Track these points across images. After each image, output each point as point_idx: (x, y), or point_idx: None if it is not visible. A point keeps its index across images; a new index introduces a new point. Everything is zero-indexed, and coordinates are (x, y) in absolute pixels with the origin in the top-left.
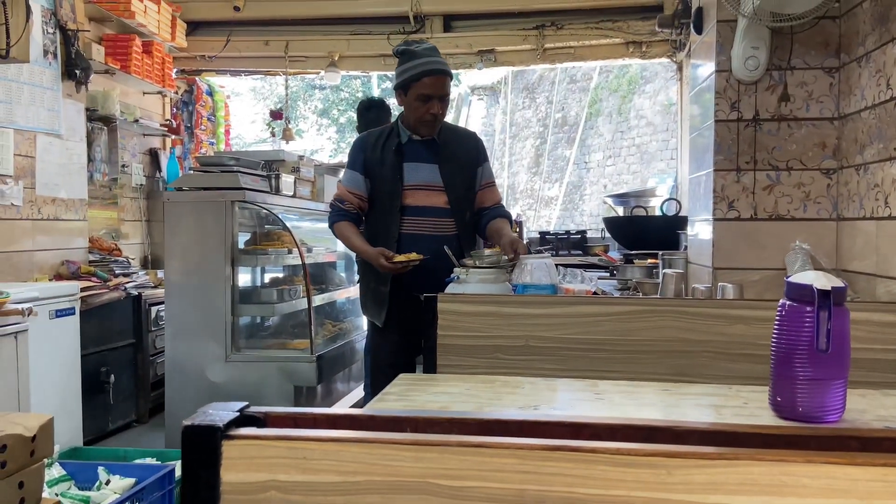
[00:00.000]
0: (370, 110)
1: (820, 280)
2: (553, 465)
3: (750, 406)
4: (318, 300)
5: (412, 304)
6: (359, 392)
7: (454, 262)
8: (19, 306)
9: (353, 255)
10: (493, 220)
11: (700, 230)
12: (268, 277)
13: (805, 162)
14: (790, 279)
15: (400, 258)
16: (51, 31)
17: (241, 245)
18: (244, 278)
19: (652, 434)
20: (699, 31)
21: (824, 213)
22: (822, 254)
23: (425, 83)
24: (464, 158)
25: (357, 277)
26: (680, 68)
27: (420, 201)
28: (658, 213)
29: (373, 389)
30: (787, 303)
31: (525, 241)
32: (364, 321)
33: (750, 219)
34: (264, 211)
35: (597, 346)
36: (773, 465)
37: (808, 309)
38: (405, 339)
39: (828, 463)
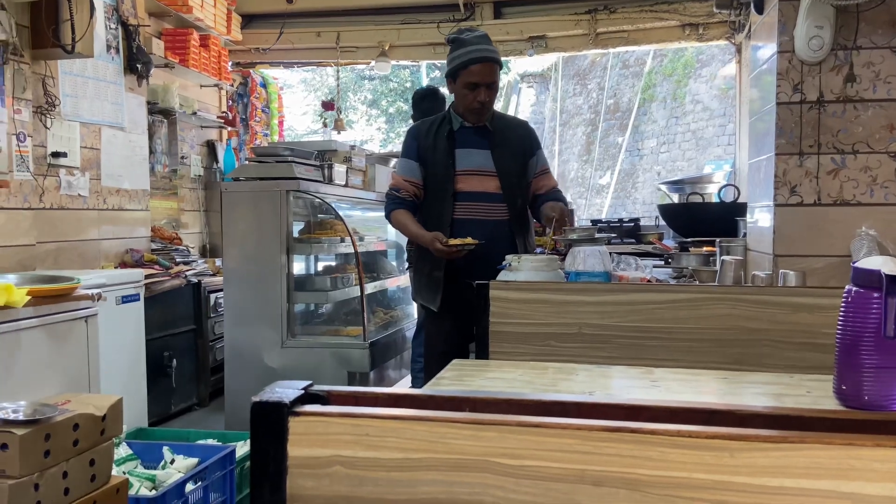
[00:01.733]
0: (424, 100)
1: (888, 265)
2: (613, 446)
3: (813, 395)
4: (369, 288)
5: (466, 291)
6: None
7: (551, 233)
8: (89, 291)
9: (404, 243)
10: (545, 203)
11: (760, 217)
12: (321, 265)
13: (872, 145)
14: (857, 264)
15: (455, 242)
16: (113, 26)
17: (295, 234)
18: (299, 266)
19: (713, 417)
20: (760, 10)
21: (892, 197)
22: (889, 240)
23: (473, 71)
24: (516, 146)
25: (406, 265)
26: (739, 50)
27: (472, 186)
28: (715, 199)
29: (426, 375)
30: (854, 289)
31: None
32: (414, 309)
33: (813, 204)
34: (318, 200)
35: (652, 334)
36: (841, 448)
37: (876, 295)
38: (458, 326)
39: None
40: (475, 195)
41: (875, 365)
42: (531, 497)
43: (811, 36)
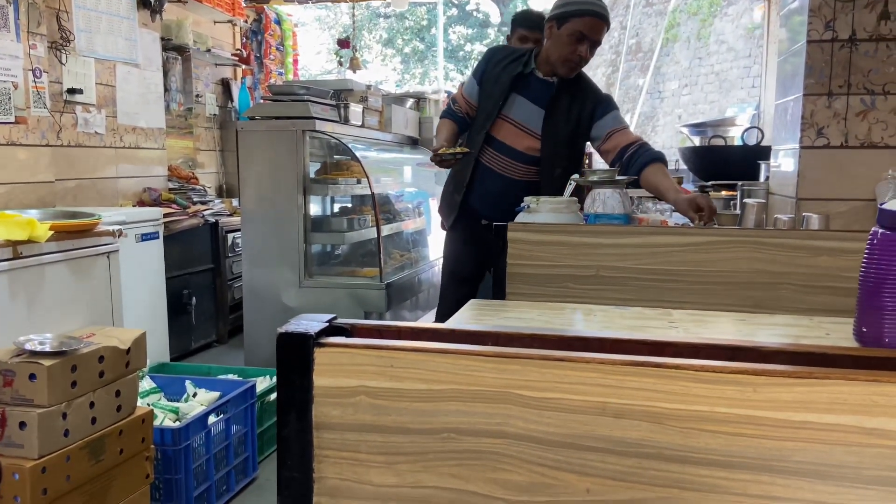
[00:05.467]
0: (524, 24)
1: None
2: (635, 380)
3: (832, 337)
4: (386, 230)
5: (478, 220)
6: (428, 319)
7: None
8: (110, 228)
9: (427, 187)
10: (647, 166)
11: (784, 159)
12: (337, 207)
13: None
14: (884, 206)
15: (446, 151)
16: None
17: (311, 175)
18: (315, 207)
19: (736, 354)
20: None
21: None
22: None
23: (586, 22)
24: (575, 112)
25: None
26: None
27: (506, 138)
28: (738, 143)
29: (441, 294)
30: (880, 231)
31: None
32: (430, 251)
33: (840, 147)
34: (334, 140)
35: (670, 276)
36: (866, 385)
37: None
38: (473, 254)
39: None
40: (504, 147)
41: None
42: (552, 428)
43: None
